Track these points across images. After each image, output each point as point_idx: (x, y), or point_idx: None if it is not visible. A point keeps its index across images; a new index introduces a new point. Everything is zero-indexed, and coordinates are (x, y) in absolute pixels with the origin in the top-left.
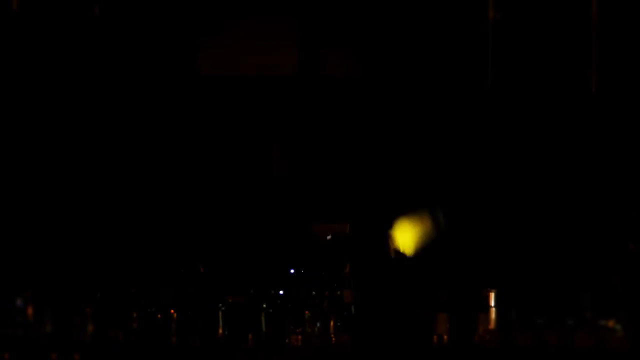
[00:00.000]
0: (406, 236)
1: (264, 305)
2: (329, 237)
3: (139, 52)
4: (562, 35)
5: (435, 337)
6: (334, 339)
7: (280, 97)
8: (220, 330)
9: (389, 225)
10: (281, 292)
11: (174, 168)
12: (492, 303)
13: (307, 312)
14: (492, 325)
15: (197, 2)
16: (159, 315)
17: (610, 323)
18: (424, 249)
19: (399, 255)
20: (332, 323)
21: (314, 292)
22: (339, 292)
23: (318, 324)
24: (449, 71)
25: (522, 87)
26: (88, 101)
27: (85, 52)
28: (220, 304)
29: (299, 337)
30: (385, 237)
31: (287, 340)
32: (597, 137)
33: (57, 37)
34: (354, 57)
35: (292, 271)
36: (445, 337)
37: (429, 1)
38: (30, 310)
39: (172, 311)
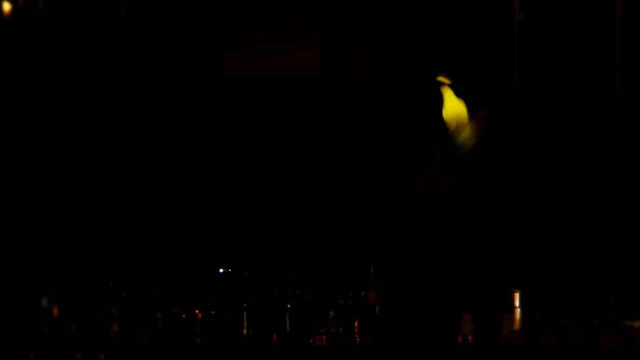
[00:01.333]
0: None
1: (288, 306)
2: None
3: (163, 52)
4: (587, 35)
5: (459, 337)
6: (358, 339)
7: (304, 97)
8: (245, 331)
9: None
10: (306, 292)
11: (198, 167)
12: (517, 303)
13: (331, 312)
14: (516, 325)
15: (220, 2)
16: (183, 316)
17: (637, 324)
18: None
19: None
20: (356, 324)
21: (338, 293)
22: (363, 293)
23: (342, 325)
24: (473, 70)
25: (547, 87)
26: (112, 100)
27: (110, 52)
28: (244, 304)
29: (324, 337)
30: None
31: (311, 341)
32: (622, 137)
33: (82, 37)
34: (378, 57)
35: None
36: (470, 337)
37: (454, 1)
38: (55, 311)
39: (196, 311)
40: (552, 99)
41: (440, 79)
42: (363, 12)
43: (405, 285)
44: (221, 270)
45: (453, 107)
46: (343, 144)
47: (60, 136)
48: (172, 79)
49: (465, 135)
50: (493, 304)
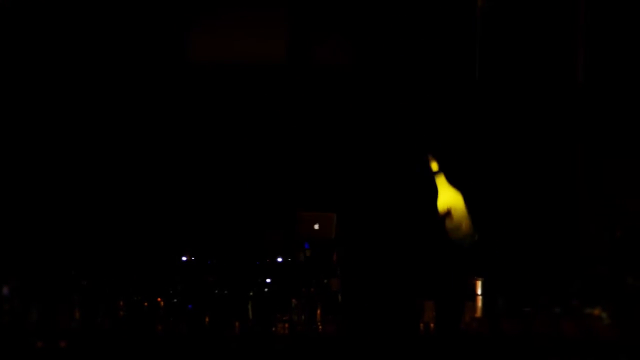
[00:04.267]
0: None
1: (251, 294)
2: (316, 226)
3: (127, 39)
4: (549, 24)
5: (421, 325)
6: (320, 327)
7: (269, 85)
8: (207, 319)
9: (378, 215)
10: (268, 280)
11: (159, 156)
12: (479, 291)
13: (293, 300)
14: (478, 313)
15: None
16: (145, 304)
17: (597, 311)
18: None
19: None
20: (318, 312)
21: (300, 280)
22: (326, 281)
23: (305, 313)
24: (438, 60)
25: (509, 76)
26: (74, 89)
27: (72, 39)
28: (206, 292)
29: (286, 325)
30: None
31: (273, 329)
32: (584, 126)
33: (41, 24)
34: (344, 45)
35: (279, 260)
36: (432, 325)
37: None
38: (15, 298)
39: (158, 299)
40: (514, 89)
41: (432, 165)
42: (329, 1)
43: (368, 273)
44: (184, 258)
45: (448, 198)
46: (307, 131)
47: (17, 123)
48: (135, 65)
49: (465, 229)
50: (455, 291)
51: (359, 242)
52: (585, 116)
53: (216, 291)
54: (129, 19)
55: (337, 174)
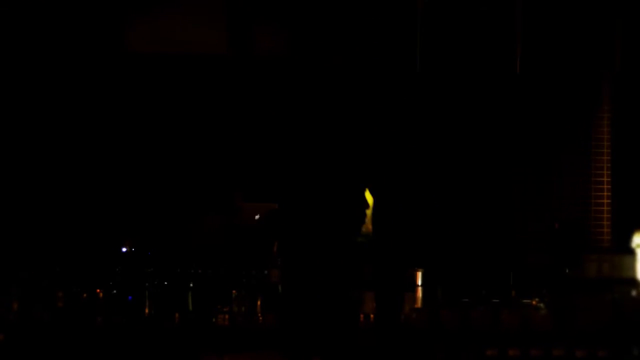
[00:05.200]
0: None
1: (191, 285)
2: (257, 217)
3: (66, 29)
4: (488, 16)
5: (361, 315)
6: (260, 318)
7: (209, 75)
8: (147, 310)
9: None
10: (208, 271)
11: (97, 147)
12: (419, 282)
13: (234, 291)
14: (418, 304)
15: None
16: (84, 295)
17: (534, 301)
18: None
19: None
20: (259, 302)
21: (241, 272)
22: (266, 272)
23: (245, 304)
24: (379, 51)
25: (450, 68)
26: (16, 79)
27: (10, 28)
28: (146, 283)
29: (226, 316)
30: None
31: (213, 320)
32: (522, 116)
33: None
34: (284, 35)
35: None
36: (372, 316)
37: None
38: None
39: (97, 290)
40: (455, 80)
41: None
42: None
43: (307, 264)
44: (124, 249)
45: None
46: (248, 121)
47: None
48: (75, 56)
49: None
50: (395, 282)
51: (298, 233)
52: (522, 105)
53: (156, 282)
54: (67, 7)
55: (277, 165)
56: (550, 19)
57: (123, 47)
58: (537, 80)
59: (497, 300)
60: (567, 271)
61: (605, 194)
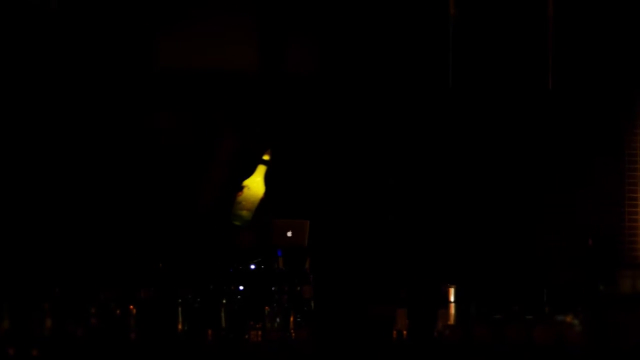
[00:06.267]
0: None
1: (224, 301)
2: (289, 234)
3: (98, 46)
4: (520, 31)
5: (394, 332)
6: (293, 334)
7: (240, 91)
8: (180, 326)
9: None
10: (241, 287)
11: (131, 162)
12: (452, 298)
13: (267, 307)
14: (451, 320)
15: None
16: (117, 311)
17: (568, 318)
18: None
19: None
20: (291, 318)
21: (273, 288)
22: (298, 288)
23: (278, 320)
24: (410, 67)
25: (482, 83)
26: (47, 95)
27: (44, 46)
28: (179, 300)
29: (259, 332)
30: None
31: (246, 336)
32: (554, 132)
33: (12, 31)
34: (315, 52)
35: (252, 267)
36: (405, 332)
37: None
38: None
39: (131, 307)
40: (487, 95)
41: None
42: (300, 9)
43: (341, 281)
44: (157, 266)
45: (256, 186)
46: (281, 138)
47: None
48: (107, 72)
49: (246, 214)
50: (428, 299)
51: (331, 249)
52: (554, 121)
53: (189, 298)
54: (100, 25)
55: (310, 182)
56: (582, 34)
57: (156, 62)
58: (569, 95)
59: (531, 317)
60: (601, 287)
61: (639, 209)
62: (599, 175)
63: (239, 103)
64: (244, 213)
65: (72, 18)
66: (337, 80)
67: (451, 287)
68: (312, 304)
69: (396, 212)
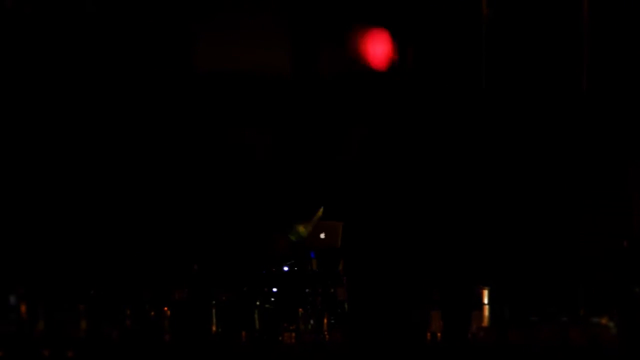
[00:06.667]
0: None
1: (257, 303)
2: (322, 235)
3: (136, 49)
4: (554, 33)
5: (428, 334)
6: (327, 336)
7: (275, 94)
8: (214, 328)
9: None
10: (274, 289)
11: (167, 166)
12: (486, 300)
13: (300, 309)
14: (485, 322)
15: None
16: (152, 313)
17: (604, 320)
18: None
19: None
20: (325, 320)
21: (307, 290)
22: (332, 290)
23: (311, 322)
24: (443, 68)
25: (515, 84)
26: (85, 100)
27: (80, 50)
28: (214, 302)
29: (292, 334)
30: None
31: (280, 338)
32: (589, 134)
33: (50, 34)
34: (348, 55)
35: (285, 269)
36: (439, 334)
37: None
38: (23, 308)
39: (165, 308)
40: (520, 96)
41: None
42: (332, 12)
43: (374, 282)
44: (191, 267)
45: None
46: (313, 141)
47: (33, 133)
48: (144, 75)
49: (302, 231)
50: (462, 301)
51: (365, 251)
52: (589, 123)
53: (223, 300)
54: (138, 28)
55: (344, 184)
56: (617, 35)
57: (192, 66)
58: (604, 97)
59: (566, 319)
60: (636, 289)
61: None
62: (634, 176)
63: (273, 105)
64: (301, 229)
65: (112, 21)
66: (371, 81)
67: (485, 289)
68: (346, 306)
69: (428, 215)
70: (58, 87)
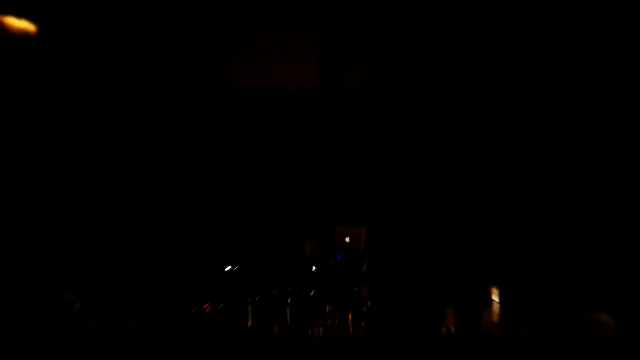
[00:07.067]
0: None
1: (289, 301)
2: (347, 239)
3: (172, 67)
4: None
5: (443, 328)
6: (352, 330)
7: (305, 109)
8: (250, 323)
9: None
10: (305, 289)
11: (207, 177)
12: (496, 298)
13: (328, 306)
14: (495, 318)
15: (225, 20)
16: (193, 310)
17: (605, 317)
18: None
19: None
20: (350, 316)
21: (334, 289)
22: (357, 289)
23: (338, 317)
24: (451, 83)
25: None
26: (124, 117)
27: (121, 71)
28: (250, 299)
29: (321, 329)
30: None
31: (309, 332)
32: (599, 138)
33: (89, 55)
34: (372, 71)
35: (314, 269)
36: (453, 329)
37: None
38: (77, 306)
39: (205, 306)
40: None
41: None
42: (358, 32)
43: (395, 281)
44: (227, 268)
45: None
46: (340, 152)
47: (78, 147)
48: (181, 93)
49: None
50: (474, 298)
51: (387, 254)
52: (599, 128)
53: (257, 298)
54: (174, 48)
55: (368, 192)
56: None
57: (227, 84)
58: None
59: (570, 316)
60: (633, 288)
61: None
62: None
63: (305, 120)
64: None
65: (157, 44)
66: (394, 95)
67: (495, 288)
68: (369, 303)
69: (444, 222)
70: (101, 105)
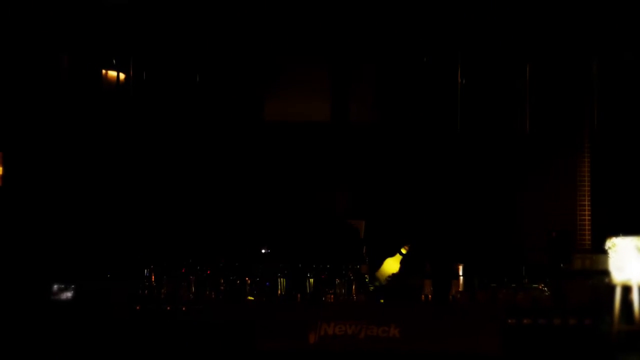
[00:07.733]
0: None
1: (308, 275)
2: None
3: (218, 103)
4: (506, 92)
5: (422, 296)
6: (354, 297)
7: (321, 139)
8: (279, 292)
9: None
10: (320, 266)
11: (251, 184)
12: (461, 272)
13: (337, 279)
14: (460, 288)
15: (260, 63)
16: (238, 282)
17: (540, 286)
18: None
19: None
20: (353, 287)
21: (341, 266)
22: (357, 266)
23: (344, 288)
24: (432, 116)
25: (483, 129)
26: (192, 141)
27: (189, 109)
28: (279, 274)
29: (331, 296)
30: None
31: (323, 298)
32: (529, 161)
33: (165, 97)
34: (370, 104)
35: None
36: (430, 296)
37: (421, 72)
38: (152, 278)
39: (246, 278)
40: (486, 135)
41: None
42: (362, 71)
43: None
44: (263, 250)
45: (391, 267)
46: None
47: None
48: (224, 125)
49: (379, 282)
50: (445, 273)
51: (379, 241)
52: (530, 155)
53: (285, 273)
54: (220, 85)
55: (367, 194)
56: (552, 92)
57: (262, 117)
58: (539, 135)
59: (514, 285)
60: (561, 265)
61: (586, 211)
62: (560, 189)
63: (320, 148)
64: (377, 282)
65: (205, 87)
66: (387, 127)
67: (460, 264)
68: (367, 277)
69: (425, 218)
70: (185, 131)
